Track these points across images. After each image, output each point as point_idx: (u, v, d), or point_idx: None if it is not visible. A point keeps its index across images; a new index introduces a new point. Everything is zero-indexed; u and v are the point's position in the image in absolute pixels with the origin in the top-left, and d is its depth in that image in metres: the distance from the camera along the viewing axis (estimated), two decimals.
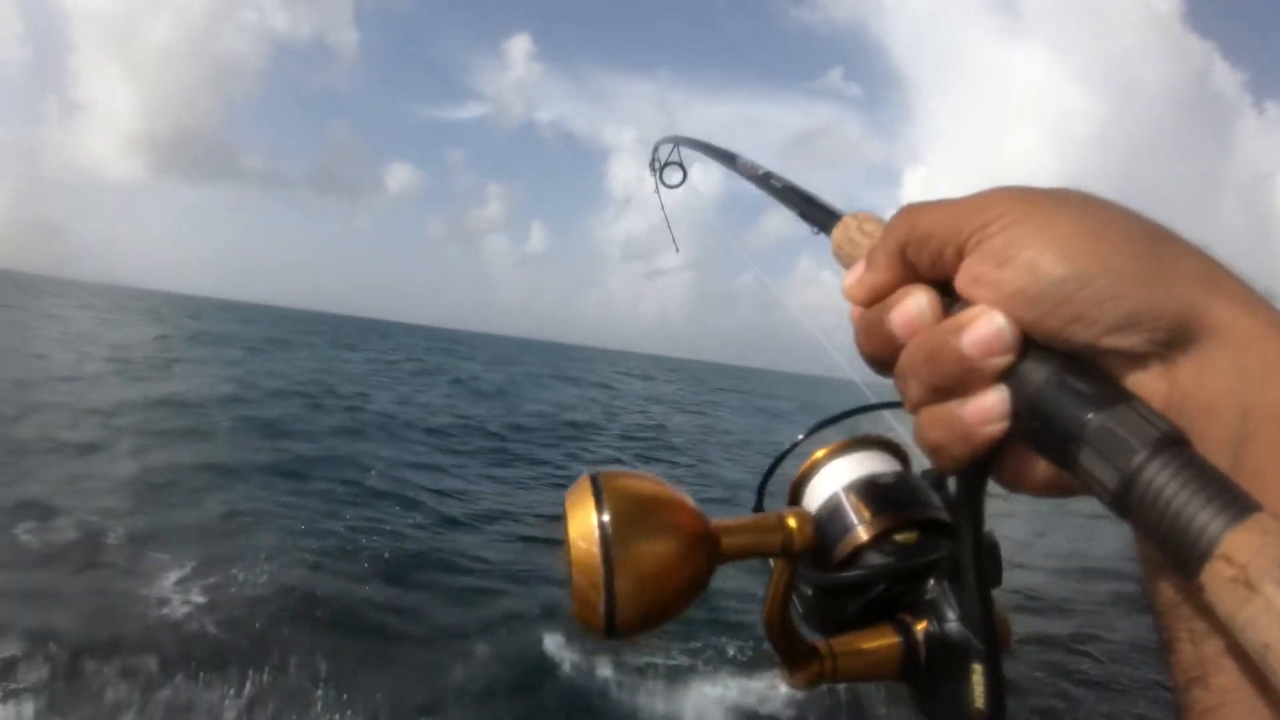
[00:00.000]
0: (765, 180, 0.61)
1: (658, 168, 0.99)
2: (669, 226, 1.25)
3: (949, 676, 0.46)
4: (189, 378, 18.03)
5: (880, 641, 0.49)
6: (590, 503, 0.42)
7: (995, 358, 0.37)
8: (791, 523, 0.46)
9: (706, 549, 0.44)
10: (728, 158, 0.71)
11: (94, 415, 11.62)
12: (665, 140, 0.95)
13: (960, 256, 0.39)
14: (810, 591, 0.52)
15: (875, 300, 0.43)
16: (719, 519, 0.46)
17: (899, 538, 0.52)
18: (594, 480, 0.43)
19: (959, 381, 0.38)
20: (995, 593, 0.46)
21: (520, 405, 23.05)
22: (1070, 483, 0.38)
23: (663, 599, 0.43)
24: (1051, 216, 0.37)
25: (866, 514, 0.53)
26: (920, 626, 0.48)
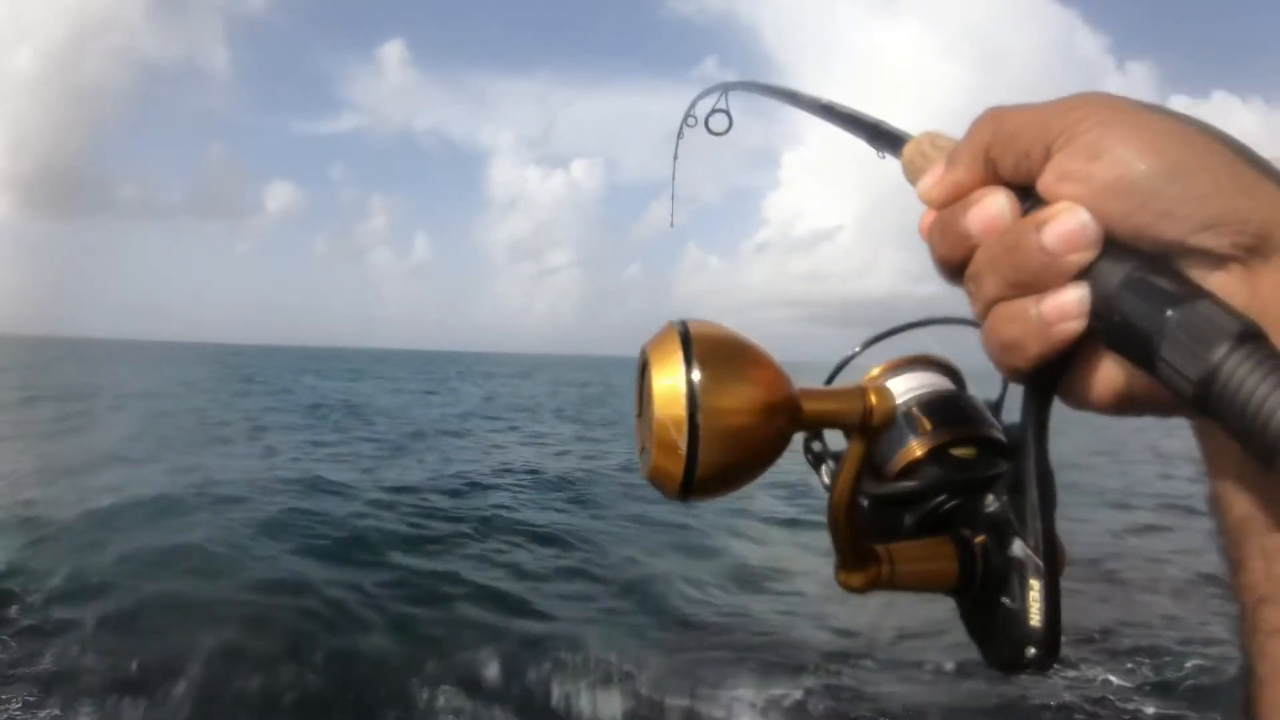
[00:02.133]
0: (828, 111, 0.62)
1: (695, 121, 0.97)
2: (673, 193, 1.21)
3: (1005, 593, 0.46)
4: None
5: (940, 549, 0.49)
6: (678, 352, 0.41)
7: (1078, 252, 0.37)
8: (873, 397, 0.45)
9: (789, 411, 0.43)
10: (789, 95, 0.71)
11: None
12: (710, 90, 0.94)
13: (1047, 155, 0.39)
14: (865, 502, 0.52)
15: (953, 200, 0.43)
16: (803, 386, 0.44)
17: (957, 452, 0.52)
18: (682, 328, 0.42)
19: (1038, 277, 0.38)
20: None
21: None
22: (1141, 395, 0.39)
23: (741, 459, 0.41)
24: (1143, 117, 0.38)
25: (925, 427, 0.53)
26: (979, 540, 0.48)
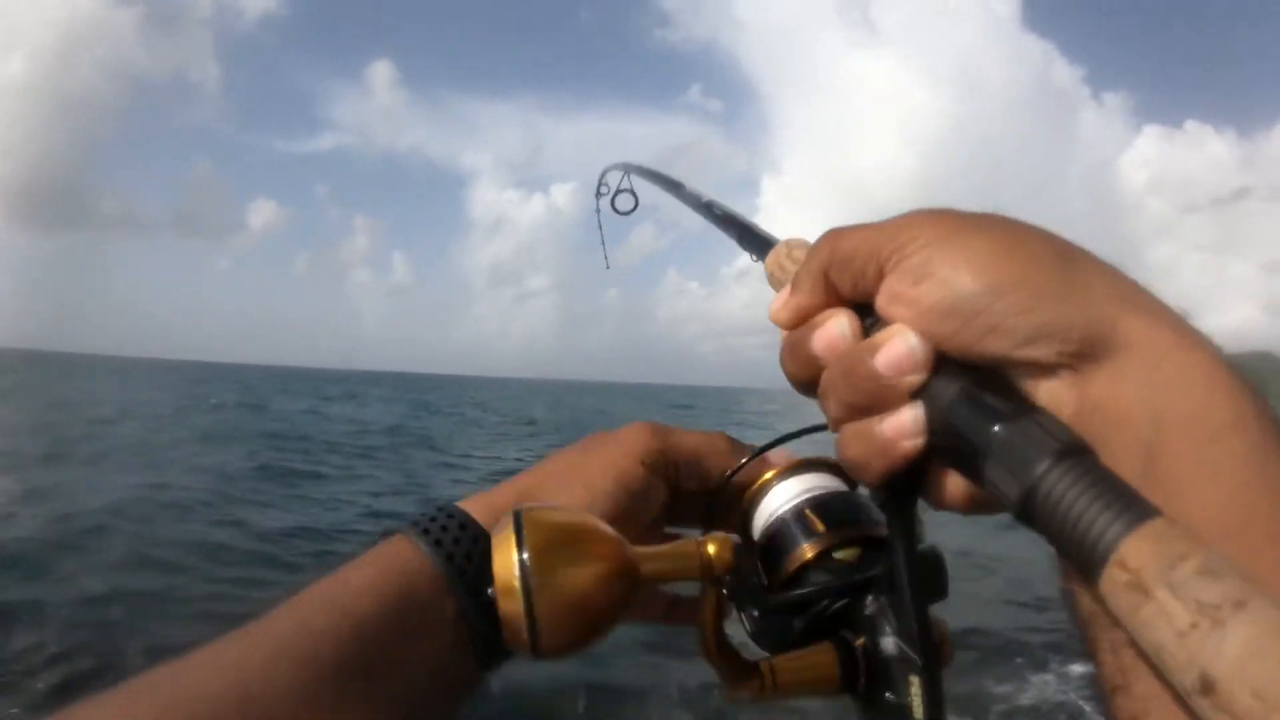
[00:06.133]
0: (708, 208, 0.63)
1: (607, 194, 1.01)
2: (604, 247, 1.27)
3: (888, 690, 0.47)
4: None
5: (819, 658, 0.50)
6: (511, 539, 0.46)
7: (908, 375, 0.39)
8: (710, 548, 0.49)
9: (626, 575, 0.47)
10: (674, 185, 0.73)
11: None
12: (614, 167, 0.98)
13: (880, 276, 0.40)
14: (757, 613, 0.53)
15: (800, 323, 0.44)
16: (641, 547, 0.49)
17: (839, 555, 0.52)
18: (516, 517, 0.46)
19: (875, 399, 0.39)
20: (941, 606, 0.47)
21: None
22: (991, 499, 0.39)
23: (586, 622, 0.46)
24: (966, 236, 0.39)
25: (809, 533, 0.54)
26: (859, 642, 0.49)
